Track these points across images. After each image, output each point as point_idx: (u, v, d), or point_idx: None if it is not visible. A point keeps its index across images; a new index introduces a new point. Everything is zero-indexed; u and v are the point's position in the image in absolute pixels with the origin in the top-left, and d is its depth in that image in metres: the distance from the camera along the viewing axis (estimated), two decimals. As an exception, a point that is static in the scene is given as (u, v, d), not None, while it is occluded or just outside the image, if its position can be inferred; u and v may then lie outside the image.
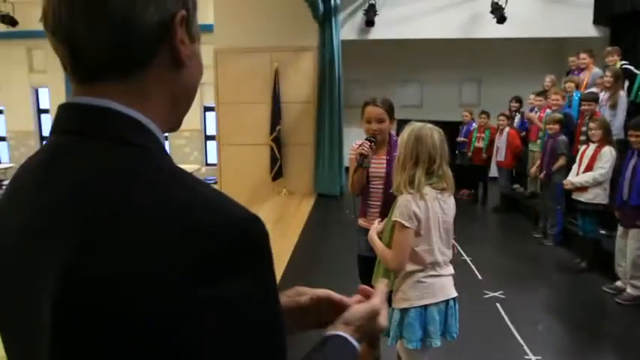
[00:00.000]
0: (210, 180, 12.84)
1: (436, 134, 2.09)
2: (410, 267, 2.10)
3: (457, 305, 2.20)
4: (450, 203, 2.15)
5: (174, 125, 0.69)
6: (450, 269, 2.19)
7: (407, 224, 2.01)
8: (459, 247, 2.60)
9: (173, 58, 0.62)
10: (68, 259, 0.50)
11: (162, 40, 0.61)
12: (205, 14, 12.46)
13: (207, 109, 14.35)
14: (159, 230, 0.51)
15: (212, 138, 13.52)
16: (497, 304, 4.01)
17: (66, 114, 0.61)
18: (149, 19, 0.58)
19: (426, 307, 2.09)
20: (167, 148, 0.70)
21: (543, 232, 5.81)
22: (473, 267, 4.86)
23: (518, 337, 3.44)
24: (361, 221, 2.72)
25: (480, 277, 4.64)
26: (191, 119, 14.35)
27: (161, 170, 0.57)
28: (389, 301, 2.19)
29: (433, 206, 2.06)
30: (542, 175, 5.66)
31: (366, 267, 2.64)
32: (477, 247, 5.35)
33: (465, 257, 5.04)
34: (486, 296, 4.18)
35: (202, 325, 0.49)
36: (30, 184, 0.60)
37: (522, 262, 5.16)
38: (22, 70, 12.85)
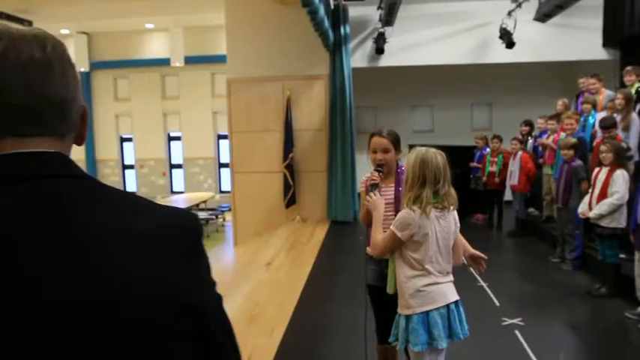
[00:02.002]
0: (224, 207, 12.91)
1: (439, 157, 2.29)
2: (406, 271, 2.30)
3: (461, 308, 2.34)
4: (449, 220, 2.32)
5: None
6: (449, 277, 2.34)
7: (398, 234, 2.26)
8: (474, 271, 2.59)
9: (78, 133, 0.79)
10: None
11: (80, 118, 0.79)
12: (218, 45, 12.77)
13: (220, 137, 14.54)
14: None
15: (226, 165, 13.67)
16: (517, 332, 3.93)
17: (25, 161, 0.70)
18: (79, 99, 0.78)
19: (427, 312, 2.24)
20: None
21: (561, 256, 5.72)
22: (490, 292, 4.79)
23: (539, 366, 3.36)
24: (369, 250, 2.72)
25: (497, 303, 4.57)
26: (205, 147, 14.57)
27: (133, 195, 0.77)
28: (388, 301, 2.43)
29: (432, 223, 2.25)
30: (559, 202, 5.60)
31: (376, 295, 2.69)
32: (493, 272, 5.26)
33: (482, 283, 4.97)
34: (505, 323, 4.11)
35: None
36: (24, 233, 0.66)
37: (540, 287, 5.08)
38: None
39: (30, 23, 9.95)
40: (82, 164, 14.25)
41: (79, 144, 0.81)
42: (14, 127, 0.70)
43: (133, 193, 0.77)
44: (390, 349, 2.72)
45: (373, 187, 2.54)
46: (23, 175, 0.68)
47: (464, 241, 2.55)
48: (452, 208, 2.31)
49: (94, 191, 0.72)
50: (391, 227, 2.29)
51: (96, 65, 14.45)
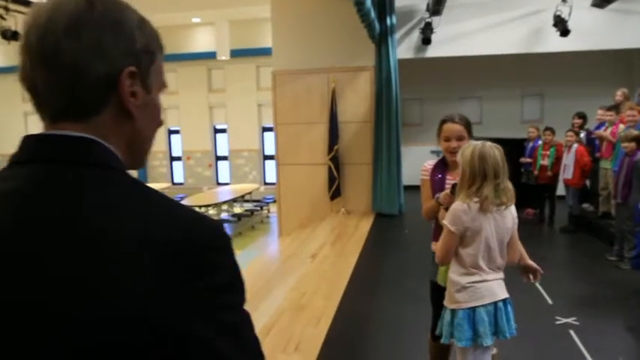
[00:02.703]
0: (268, 199, 13.07)
1: (497, 151, 2.19)
2: (455, 267, 2.25)
3: (509, 306, 2.27)
4: (506, 215, 2.23)
5: (131, 165, 0.74)
6: (499, 274, 2.26)
7: (452, 229, 2.17)
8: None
9: (121, 108, 0.69)
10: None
11: (111, 92, 0.67)
12: (264, 38, 12.87)
13: (265, 129, 14.71)
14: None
15: (270, 157, 13.82)
16: (571, 331, 3.78)
17: (40, 144, 0.66)
18: (96, 73, 0.65)
19: (474, 308, 2.19)
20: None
21: (619, 254, 5.46)
22: (542, 291, 4.63)
23: (597, 369, 3.23)
24: (434, 246, 2.65)
25: (550, 301, 4.41)
26: (250, 139, 14.78)
27: (150, 193, 0.67)
28: (442, 298, 2.34)
29: (488, 218, 2.16)
30: (617, 197, 5.34)
31: (436, 294, 2.59)
32: (546, 270, 5.00)
33: (533, 280, 4.80)
34: (558, 322, 3.96)
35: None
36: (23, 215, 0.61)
37: (596, 286, 4.86)
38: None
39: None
40: (132, 156, 14.90)
41: (129, 123, 0.70)
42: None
43: (155, 192, 0.67)
44: (443, 346, 2.66)
45: (455, 187, 2.31)
46: (22, 160, 0.66)
47: (521, 247, 2.44)
48: (510, 203, 2.22)
49: (100, 183, 0.64)
50: (444, 222, 2.21)
51: (145, 59, 14.88)
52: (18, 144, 0.67)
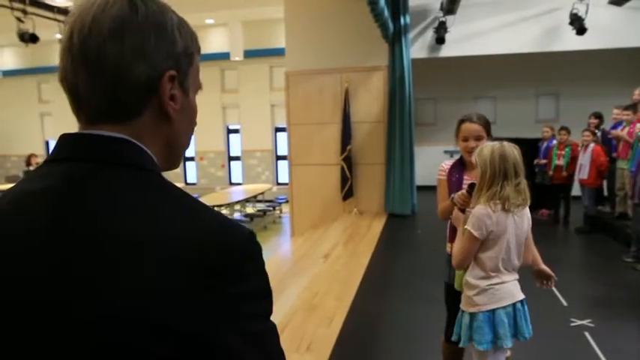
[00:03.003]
0: (281, 199, 13.11)
1: (516, 151, 2.18)
2: (474, 271, 2.22)
3: (526, 307, 2.25)
4: (523, 217, 2.21)
5: (166, 167, 0.75)
6: (515, 275, 2.25)
7: (476, 234, 2.13)
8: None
9: (161, 111, 0.69)
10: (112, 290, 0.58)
11: (151, 95, 0.68)
12: (277, 38, 12.91)
13: (277, 129, 14.75)
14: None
15: (283, 158, 13.85)
16: (586, 333, 3.74)
17: (76, 142, 0.67)
18: (138, 76, 0.66)
19: (494, 310, 2.17)
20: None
21: (636, 256, 5.38)
22: (557, 292, 4.57)
23: (613, 371, 3.19)
24: (448, 248, 2.62)
25: (565, 303, 4.37)
26: (263, 140, 14.83)
27: (182, 196, 0.67)
28: (459, 302, 2.31)
29: (508, 220, 2.14)
30: (635, 198, 5.26)
31: (451, 296, 2.57)
32: (560, 271, 4.94)
33: (547, 286, 4.75)
34: (573, 324, 3.92)
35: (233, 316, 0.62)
36: (55, 212, 0.62)
37: (612, 288, 4.80)
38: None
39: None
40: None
41: (168, 126, 0.71)
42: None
43: (188, 196, 0.67)
44: (457, 349, 2.65)
45: (472, 187, 2.25)
46: (58, 158, 0.67)
47: (535, 250, 2.42)
48: (528, 203, 2.20)
49: (134, 184, 0.65)
50: (466, 227, 2.15)
51: (160, 61, 15.01)
52: (56, 142, 0.69)
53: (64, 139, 0.68)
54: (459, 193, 2.35)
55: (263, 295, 0.67)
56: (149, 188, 0.65)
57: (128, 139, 0.67)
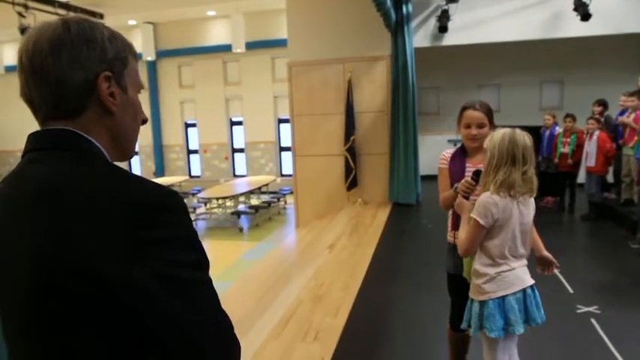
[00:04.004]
0: (285, 190, 13.12)
1: (527, 138, 2.16)
2: (482, 259, 2.22)
3: (536, 292, 2.25)
4: (528, 205, 2.21)
5: (118, 157, 0.91)
6: (524, 261, 2.25)
7: (482, 222, 2.13)
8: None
9: (102, 106, 0.86)
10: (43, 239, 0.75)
11: (91, 93, 0.84)
12: (279, 29, 12.85)
13: (281, 121, 14.73)
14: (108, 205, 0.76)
15: (287, 149, 13.85)
16: (593, 320, 3.74)
17: (32, 138, 0.85)
18: (77, 80, 0.83)
19: (504, 297, 2.17)
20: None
21: (642, 242, 5.37)
22: (562, 279, 4.58)
23: (620, 358, 3.18)
24: (450, 237, 2.61)
25: (571, 290, 4.37)
26: (266, 131, 14.81)
27: (107, 166, 0.83)
28: (467, 290, 2.30)
29: (513, 208, 2.14)
30: None
31: (454, 285, 2.58)
32: (566, 259, 5.03)
33: (547, 272, 4.75)
34: (579, 311, 3.92)
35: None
36: (7, 187, 0.84)
37: (619, 274, 4.79)
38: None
39: (101, 16, 10.44)
40: (149, 150, 15.06)
41: (110, 119, 0.88)
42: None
43: (121, 169, 0.81)
44: (464, 336, 2.65)
45: (477, 174, 2.24)
46: (25, 151, 0.86)
47: (537, 237, 2.43)
48: (534, 193, 2.19)
49: (74, 161, 0.81)
50: (472, 215, 2.15)
51: (161, 54, 14.99)
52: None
53: (29, 137, 0.85)
54: (463, 180, 2.33)
55: (183, 245, 0.77)
56: (85, 164, 0.81)
57: (73, 130, 0.83)
